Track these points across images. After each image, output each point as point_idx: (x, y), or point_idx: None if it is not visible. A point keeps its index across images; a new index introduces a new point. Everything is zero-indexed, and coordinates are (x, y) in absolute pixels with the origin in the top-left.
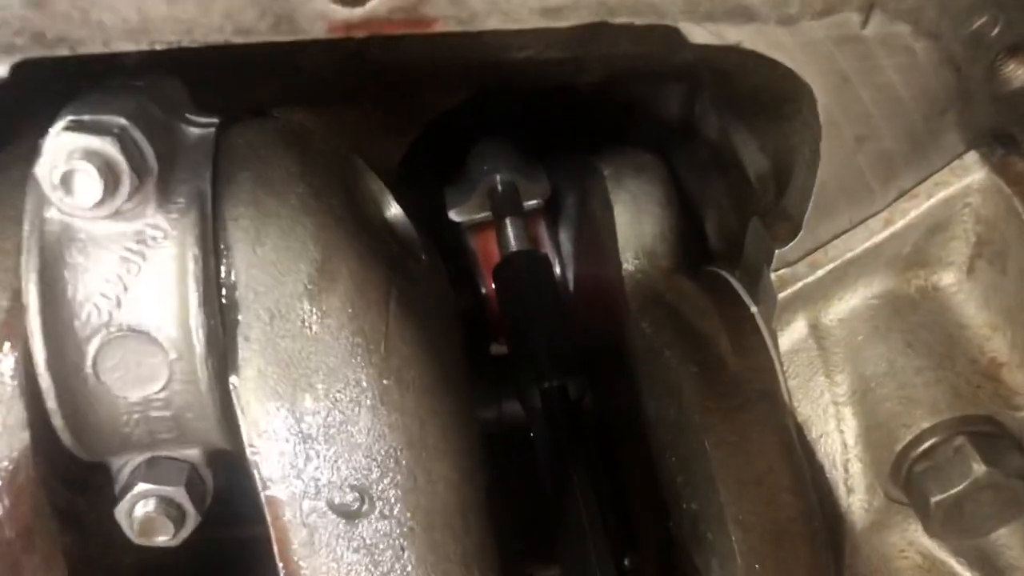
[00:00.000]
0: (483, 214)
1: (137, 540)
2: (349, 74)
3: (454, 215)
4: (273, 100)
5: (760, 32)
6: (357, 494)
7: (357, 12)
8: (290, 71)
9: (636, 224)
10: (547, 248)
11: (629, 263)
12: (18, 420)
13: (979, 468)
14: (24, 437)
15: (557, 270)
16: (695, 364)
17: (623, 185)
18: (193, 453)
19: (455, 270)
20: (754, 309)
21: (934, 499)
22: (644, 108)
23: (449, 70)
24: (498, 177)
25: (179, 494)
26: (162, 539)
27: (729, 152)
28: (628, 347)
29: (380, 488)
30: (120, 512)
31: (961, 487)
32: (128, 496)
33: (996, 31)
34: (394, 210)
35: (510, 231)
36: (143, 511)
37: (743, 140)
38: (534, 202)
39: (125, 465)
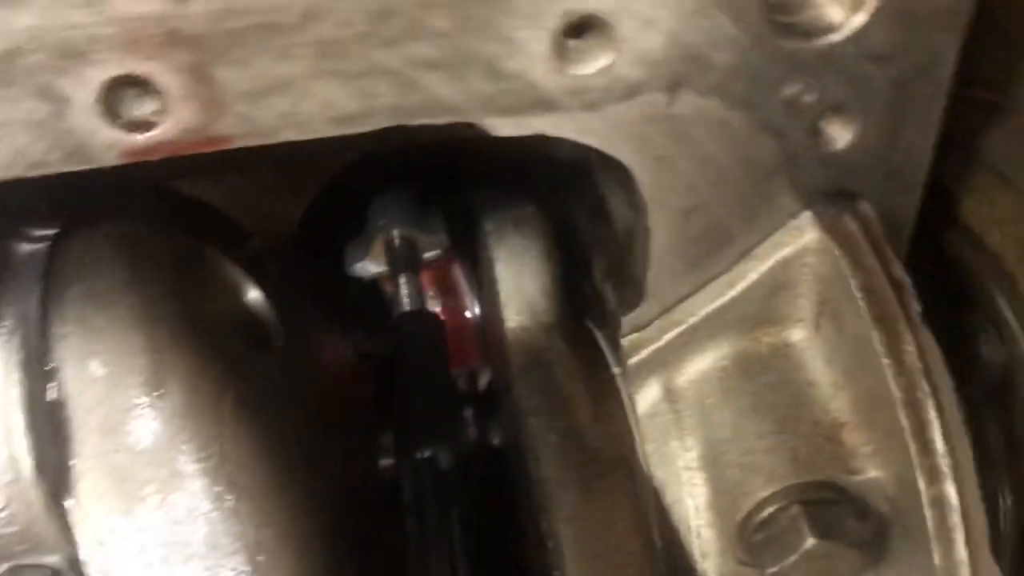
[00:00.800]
0: (382, 268)
1: None
2: None
3: (354, 271)
4: (161, 174)
5: (565, 119)
6: None
7: (145, 138)
8: None
9: (517, 278)
10: (463, 291)
11: (511, 320)
12: None
13: (810, 541)
14: None
15: (478, 310)
16: (555, 433)
17: (504, 241)
18: (55, 559)
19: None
20: (616, 371)
21: (769, 571)
22: (538, 151)
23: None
24: (395, 232)
25: None
26: None
27: (605, 203)
28: (511, 407)
29: None
30: None
31: (793, 558)
32: None
33: (812, 97)
34: (252, 294)
35: (403, 290)
36: None
37: (613, 191)
38: (432, 254)
39: None
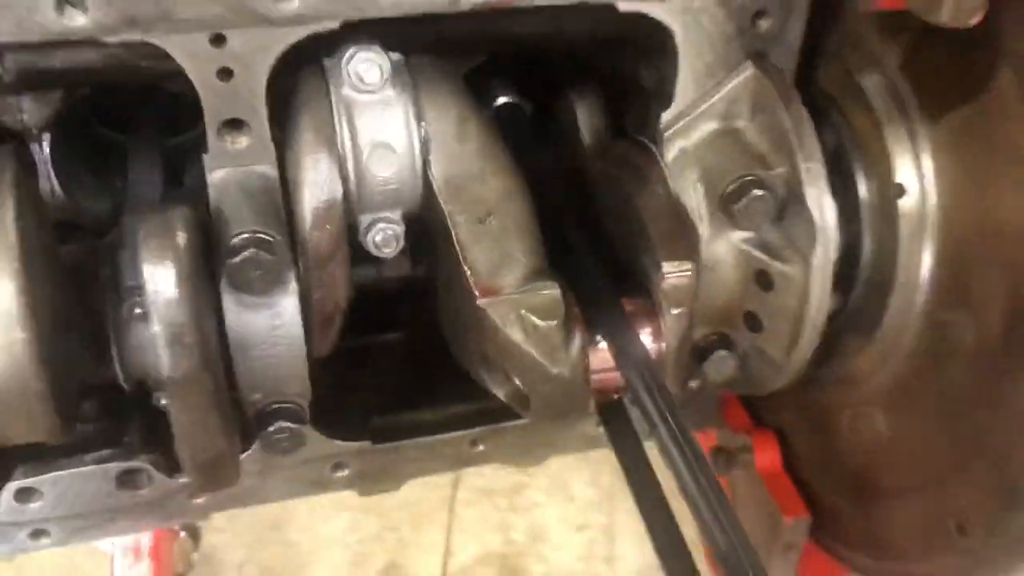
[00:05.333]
0: None
1: (376, 251)
2: None
3: None
4: None
5: None
6: None
7: None
8: None
9: (595, 131)
10: None
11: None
12: (335, 177)
13: (756, 192)
14: (338, 188)
15: None
16: (631, 173)
17: (585, 102)
18: (397, 215)
19: None
20: (655, 150)
21: (736, 207)
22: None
23: None
24: None
25: (396, 229)
26: (387, 251)
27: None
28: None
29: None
30: (366, 240)
31: (744, 200)
32: (373, 229)
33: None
34: None
35: None
36: (375, 235)
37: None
38: None
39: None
